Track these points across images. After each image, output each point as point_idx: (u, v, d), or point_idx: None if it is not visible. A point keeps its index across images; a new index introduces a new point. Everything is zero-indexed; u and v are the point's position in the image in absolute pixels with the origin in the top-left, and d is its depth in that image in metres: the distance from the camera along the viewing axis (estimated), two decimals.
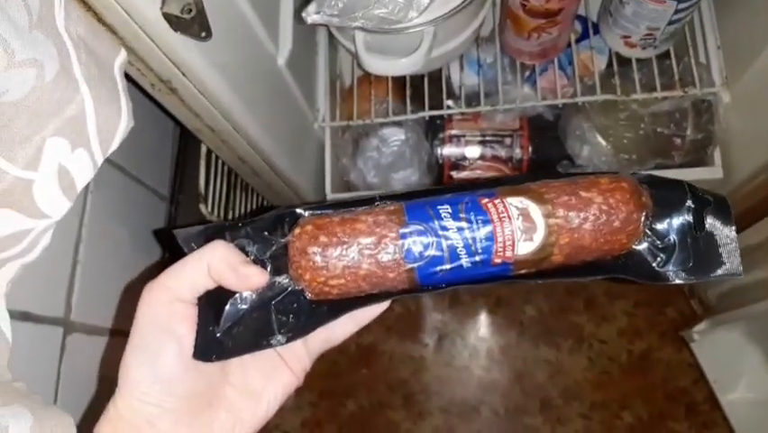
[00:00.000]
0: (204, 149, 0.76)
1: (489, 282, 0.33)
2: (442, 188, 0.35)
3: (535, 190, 0.33)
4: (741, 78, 0.81)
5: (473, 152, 0.94)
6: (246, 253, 0.34)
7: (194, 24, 0.49)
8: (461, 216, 0.32)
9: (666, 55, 0.86)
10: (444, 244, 0.32)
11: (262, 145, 0.72)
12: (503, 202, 0.32)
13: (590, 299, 1.26)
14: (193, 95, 0.58)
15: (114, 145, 0.44)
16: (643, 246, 0.34)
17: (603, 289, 1.26)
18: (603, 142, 0.85)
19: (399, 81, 0.94)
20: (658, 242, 0.33)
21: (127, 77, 0.54)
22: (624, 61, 0.87)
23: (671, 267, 0.33)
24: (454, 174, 0.95)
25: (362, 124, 0.91)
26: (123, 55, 0.46)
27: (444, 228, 0.32)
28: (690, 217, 0.33)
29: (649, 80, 0.84)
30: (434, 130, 0.96)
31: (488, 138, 0.94)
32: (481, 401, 1.25)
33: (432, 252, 0.32)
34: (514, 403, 1.25)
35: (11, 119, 0.35)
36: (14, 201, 0.38)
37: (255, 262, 0.34)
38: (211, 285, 0.33)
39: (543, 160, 0.94)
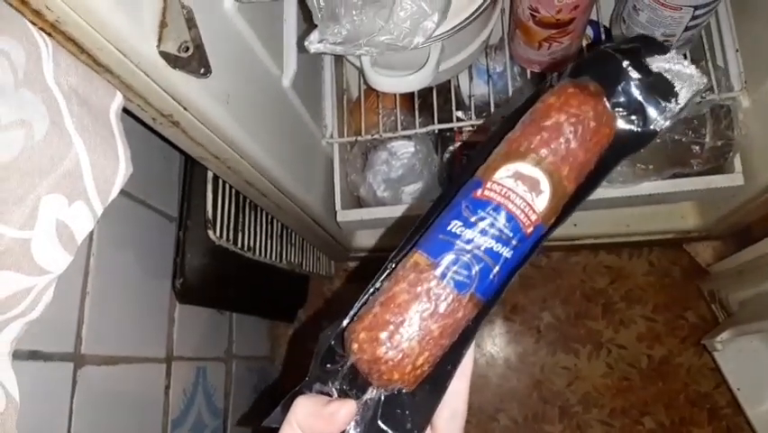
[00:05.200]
0: (210, 174, 0.75)
1: (535, 252, 0.33)
2: (428, 213, 0.34)
3: (509, 152, 0.33)
4: (761, 81, 0.78)
5: None
6: (330, 395, 0.33)
7: (192, 62, 0.48)
8: (473, 220, 0.31)
9: None
10: (480, 252, 0.31)
11: (269, 169, 0.70)
12: (494, 182, 0.32)
13: (608, 305, 1.23)
14: (196, 127, 0.57)
15: (114, 194, 0.43)
16: (619, 124, 0.34)
17: (621, 294, 1.23)
18: None
19: (407, 92, 0.92)
20: (623, 111, 0.34)
21: (128, 111, 0.53)
22: None
23: (651, 118, 0.34)
24: None
25: (371, 138, 0.89)
26: (118, 99, 0.44)
27: (469, 241, 0.31)
28: (634, 73, 0.34)
29: None
30: (443, 141, 0.94)
31: None
32: (499, 410, 1.24)
33: (476, 267, 0.31)
34: (532, 411, 1.23)
35: (2, 181, 0.34)
36: (13, 262, 0.37)
37: (341, 396, 0.33)
38: None
39: None
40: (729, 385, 1.04)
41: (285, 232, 0.96)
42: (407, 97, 0.93)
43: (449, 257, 0.31)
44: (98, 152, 0.40)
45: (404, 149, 0.93)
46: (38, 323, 0.60)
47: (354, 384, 0.32)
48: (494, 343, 1.27)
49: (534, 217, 0.31)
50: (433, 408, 0.32)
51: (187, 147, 0.61)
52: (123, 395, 0.75)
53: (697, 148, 0.82)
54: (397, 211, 0.91)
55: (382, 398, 0.32)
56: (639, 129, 0.34)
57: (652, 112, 0.34)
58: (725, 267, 1.05)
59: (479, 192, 0.32)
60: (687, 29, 0.75)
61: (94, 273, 0.69)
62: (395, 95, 0.90)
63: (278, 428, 0.33)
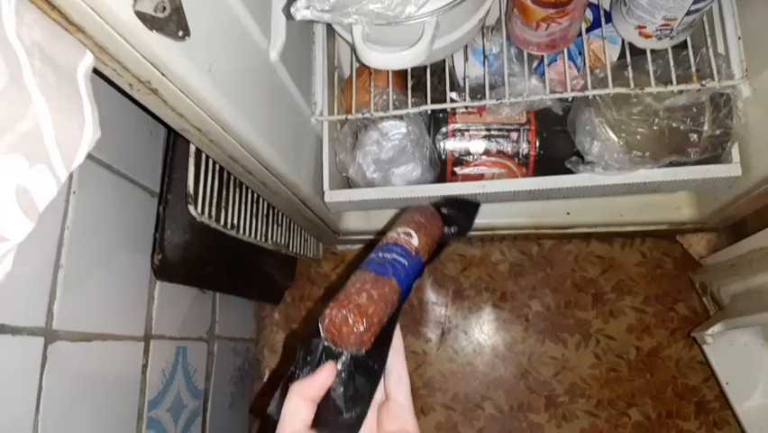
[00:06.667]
0: (192, 147, 0.72)
1: (423, 270, 0.54)
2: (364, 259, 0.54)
3: (394, 227, 0.57)
4: (762, 70, 0.76)
5: (478, 146, 0.90)
6: None
7: (170, 23, 0.45)
8: (384, 250, 0.53)
9: (683, 45, 0.81)
10: (390, 259, 0.52)
11: (254, 144, 0.68)
12: (391, 237, 0.55)
13: (598, 295, 1.22)
14: (175, 95, 0.54)
15: (80, 158, 0.40)
16: (445, 226, 0.61)
17: (611, 284, 1.22)
18: (615, 138, 0.81)
19: (400, 71, 0.90)
20: (446, 221, 0.61)
21: (103, 76, 0.51)
22: (638, 52, 0.82)
23: (455, 228, 0.62)
24: (458, 170, 0.91)
25: (362, 117, 0.87)
26: (88, 59, 0.42)
27: (384, 257, 0.52)
28: (444, 211, 0.63)
29: (664, 72, 0.79)
30: (436, 123, 0.91)
31: (493, 132, 0.89)
32: (485, 398, 1.23)
33: (389, 266, 0.51)
34: (518, 400, 1.22)
35: None
36: None
37: None
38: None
39: (550, 155, 0.89)
40: (718, 379, 1.03)
41: (271, 211, 0.94)
42: (400, 77, 0.91)
43: (375, 263, 0.51)
44: (62, 112, 0.37)
45: (395, 129, 0.90)
46: (5, 295, 0.58)
47: (330, 359, 0.46)
48: (482, 330, 1.25)
49: (413, 249, 0.53)
50: (383, 363, 0.46)
51: (167, 117, 0.58)
52: (98, 373, 0.73)
53: (695, 136, 0.80)
54: (386, 193, 0.89)
55: (350, 360, 0.46)
56: (451, 231, 0.61)
57: (453, 226, 0.61)
58: (718, 260, 1.03)
59: (384, 243, 0.54)
60: (689, 13, 0.72)
61: (68, 246, 0.67)
62: (388, 73, 0.87)
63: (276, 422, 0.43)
